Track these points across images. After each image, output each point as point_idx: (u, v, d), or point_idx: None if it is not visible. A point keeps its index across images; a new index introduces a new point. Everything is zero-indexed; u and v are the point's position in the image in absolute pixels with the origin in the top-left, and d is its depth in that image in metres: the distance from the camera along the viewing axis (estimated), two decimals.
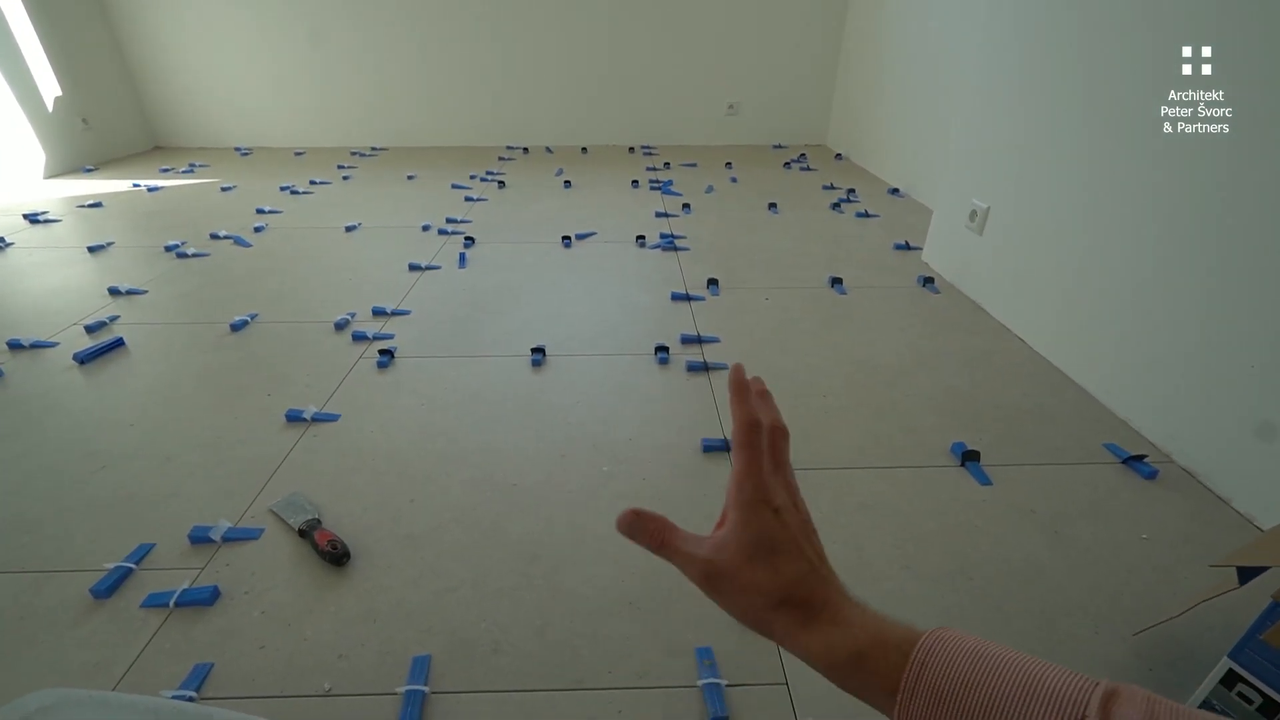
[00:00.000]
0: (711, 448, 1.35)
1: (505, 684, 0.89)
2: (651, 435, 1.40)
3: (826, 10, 3.92)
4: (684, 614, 0.98)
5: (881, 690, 0.29)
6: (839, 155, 4.00)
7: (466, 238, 2.54)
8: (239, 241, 2.54)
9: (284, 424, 1.44)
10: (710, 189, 3.25)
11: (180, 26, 3.86)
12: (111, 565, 1.05)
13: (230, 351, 1.74)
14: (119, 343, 1.76)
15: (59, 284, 2.18)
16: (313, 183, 3.39)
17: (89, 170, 3.68)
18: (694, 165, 3.76)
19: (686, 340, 1.78)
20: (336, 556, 1.06)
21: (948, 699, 0.28)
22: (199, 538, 1.12)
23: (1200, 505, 1.20)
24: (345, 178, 3.51)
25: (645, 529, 0.36)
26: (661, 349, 1.70)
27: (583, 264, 2.34)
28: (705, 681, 0.88)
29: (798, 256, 2.39)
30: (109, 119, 3.89)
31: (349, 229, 2.68)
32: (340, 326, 1.86)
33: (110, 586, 1.02)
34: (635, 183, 3.37)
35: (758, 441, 0.35)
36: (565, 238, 2.54)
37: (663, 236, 2.55)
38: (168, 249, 2.45)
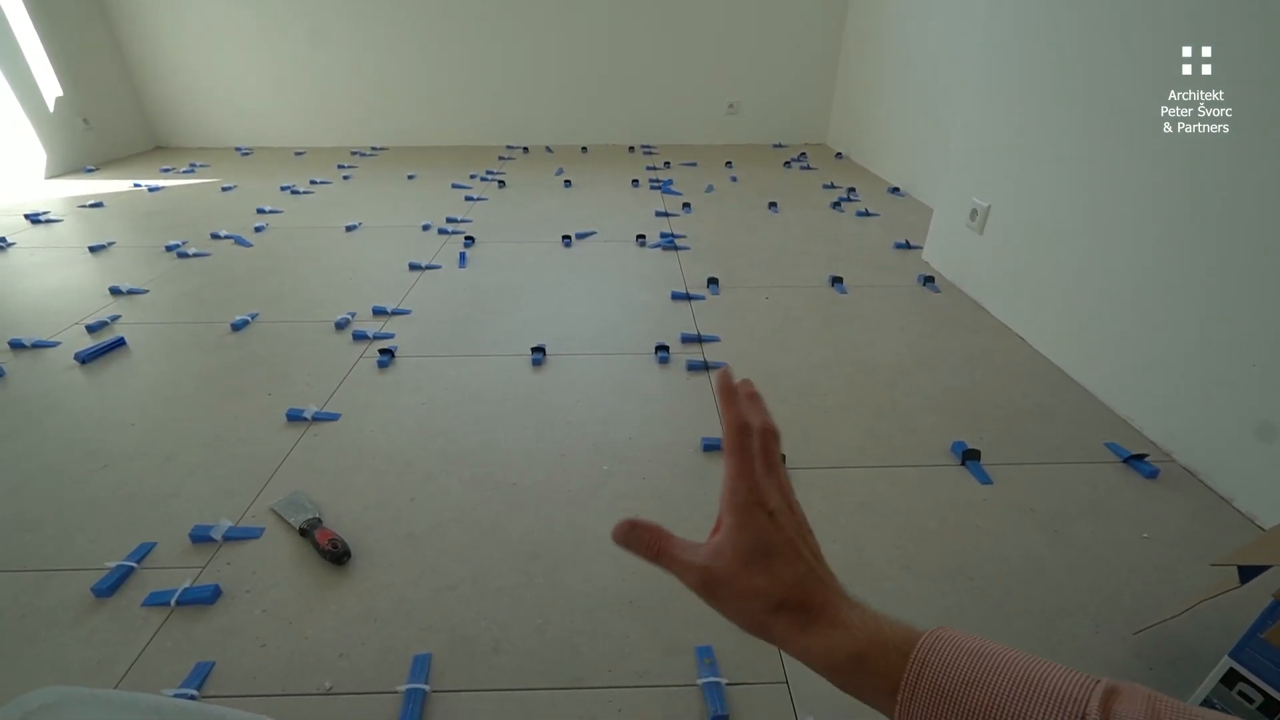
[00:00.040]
0: (711, 447, 1.35)
1: (505, 682, 0.89)
2: (652, 434, 1.40)
3: (826, 9, 3.91)
4: (684, 613, 0.98)
5: (882, 691, 0.29)
6: (839, 154, 4.00)
7: (467, 237, 2.54)
8: (240, 241, 2.54)
9: (285, 423, 1.44)
10: (710, 188, 3.25)
11: (181, 26, 3.86)
12: (113, 564, 1.06)
13: (231, 351, 1.75)
14: (120, 342, 1.76)
15: (60, 284, 2.19)
16: (313, 182, 3.39)
17: (90, 170, 3.68)
18: (694, 164, 3.76)
19: (687, 339, 1.78)
20: (337, 555, 1.06)
21: (948, 699, 0.28)
22: (200, 537, 1.12)
23: (1201, 504, 1.20)
24: (345, 177, 3.52)
25: (641, 539, 0.35)
26: (662, 348, 1.70)
27: (583, 263, 2.34)
28: (705, 680, 0.88)
29: (798, 255, 2.39)
30: (110, 119, 3.89)
31: (349, 229, 2.68)
32: (341, 326, 1.86)
33: (111, 585, 1.02)
34: (635, 182, 3.37)
35: (749, 444, 0.35)
36: (565, 237, 2.54)
37: (663, 236, 2.55)
38: (168, 249, 2.45)
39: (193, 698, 0.87)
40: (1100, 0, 1.48)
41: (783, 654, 0.91)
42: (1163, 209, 1.34)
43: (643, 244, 2.50)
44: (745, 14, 3.92)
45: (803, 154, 4.01)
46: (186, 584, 1.03)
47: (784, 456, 1.31)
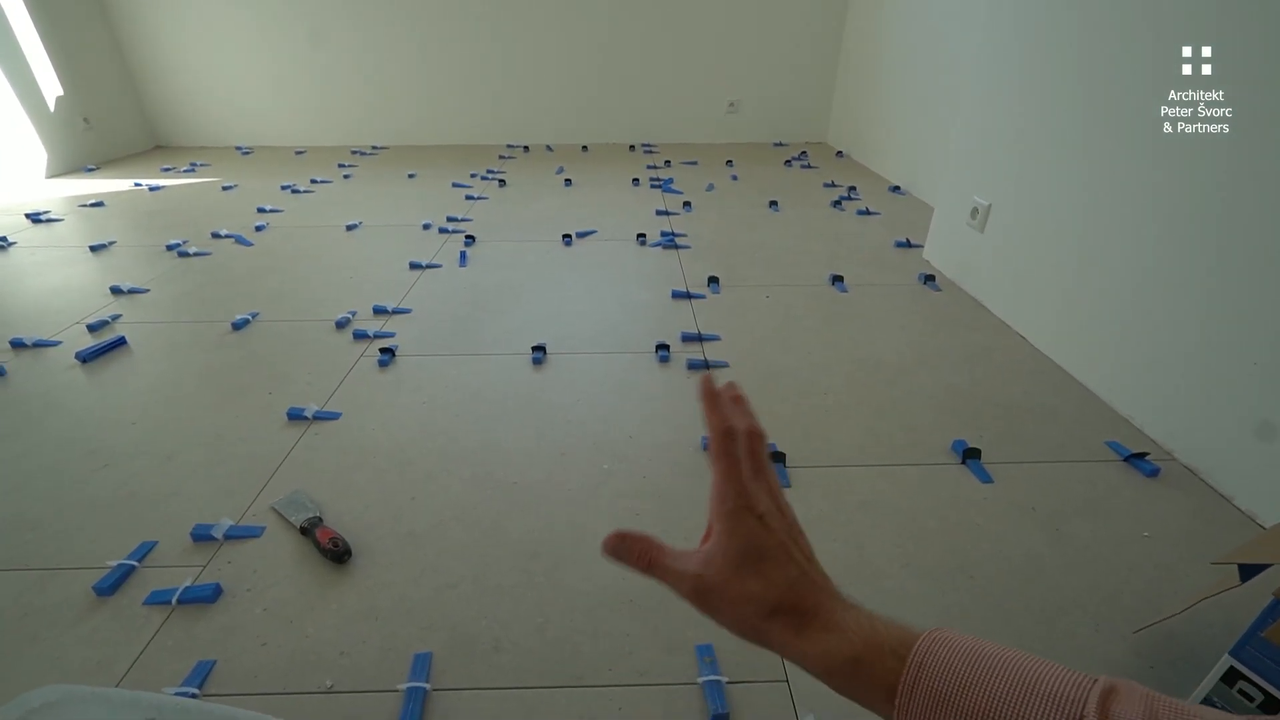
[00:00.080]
0: None
1: (506, 681, 0.90)
2: (652, 433, 1.40)
3: (827, 7, 3.91)
4: (684, 611, 0.97)
5: (879, 695, 0.29)
6: (840, 153, 4.00)
7: (467, 236, 2.54)
8: (240, 240, 2.54)
9: (285, 422, 1.44)
10: (711, 187, 3.25)
11: (181, 26, 3.86)
12: (114, 563, 1.06)
13: (232, 350, 1.75)
14: (121, 341, 1.76)
15: (61, 283, 2.19)
16: (313, 181, 3.39)
17: (90, 170, 3.69)
18: (694, 163, 3.76)
19: (687, 338, 1.78)
20: (338, 554, 1.06)
21: (945, 701, 0.27)
22: (201, 536, 1.12)
23: (1202, 503, 1.20)
24: (346, 176, 3.52)
25: (631, 550, 0.35)
26: (662, 347, 1.70)
27: (583, 262, 2.34)
28: (705, 678, 0.88)
29: (798, 254, 2.39)
30: (110, 118, 3.89)
31: (350, 228, 2.68)
32: (341, 325, 1.86)
33: (113, 584, 1.03)
34: (636, 181, 3.37)
35: (734, 449, 0.35)
36: (566, 236, 2.54)
37: (663, 234, 2.55)
38: (169, 248, 2.45)
39: (194, 696, 0.87)
40: (1100, 0, 1.48)
41: None
42: (1163, 209, 1.34)
43: (643, 243, 2.50)
44: (746, 12, 3.91)
45: (803, 152, 4.01)
46: (188, 583, 1.03)
47: (784, 455, 1.31)
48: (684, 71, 4.09)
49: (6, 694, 0.39)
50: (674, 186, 3.26)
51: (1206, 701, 0.76)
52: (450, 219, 2.77)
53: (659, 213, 2.86)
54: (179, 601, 1.00)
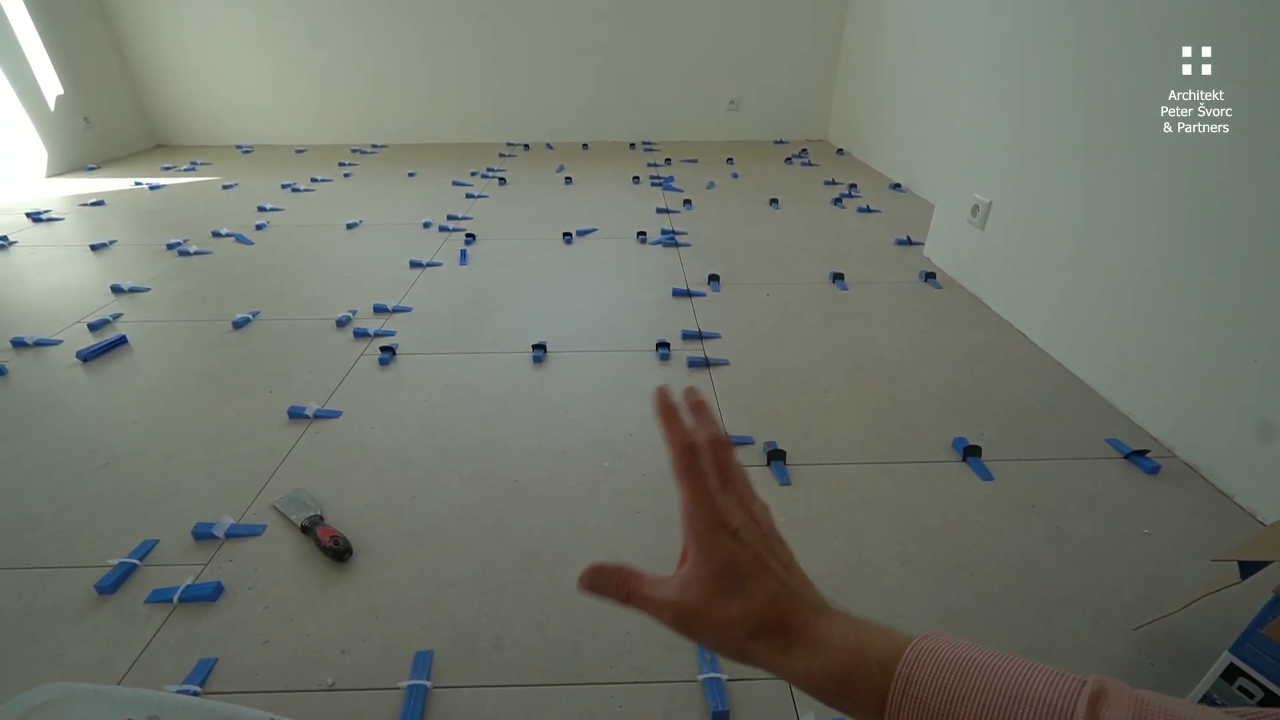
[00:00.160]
0: None
1: (507, 679, 0.90)
2: (652, 431, 1.40)
3: (827, 5, 3.90)
4: None
5: (869, 709, 0.29)
6: (840, 150, 3.99)
7: (467, 234, 2.54)
8: (240, 239, 2.55)
9: (286, 421, 1.44)
10: (711, 185, 3.25)
11: (181, 26, 3.85)
12: (115, 561, 1.06)
13: (232, 349, 1.75)
14: (121, 340, 1.77)
15: (62, 282, 2.19)
16: (314, 180, 3.39)
17: (91, 169, 3.69)
18: (695, 161, 3.75)
19: (688, 336, 1.78)
20: (339, 552, 1.07)
21: (934, 715, 0.27)
22: (202, 534, 1.13)
23: (1202, 500, 1.20)
24: (346, 175, 3.52)
25: (609, 582, 0.34)
26: (663, 345, 1.70)
27: (584, 260, 2.34)
28: (706, 676, 0.88)
29: (799, 252, 2.39)
30: (110, 118, 3.89)
31: (350, 226, 2.68)
32: (342, 324, 1.87)
33: (114, 582, 1.03)
34: (636, 179, 3.37)
35: (698, 465, 0.34)
36: (566, 234, 2.54)
37: (664, 232, 2.55)
38: (170, 247, 2.45)
39: (195, 694, 0.87)
40: (1100, 0, 1.48)
41: None
42: (1163, 208, 1.33)
43: (643, 241, 2.50)
44: (746, 10, 3.91)
45: (804, 150, 4.00)
46: (189, 581, 1.03)
47: (784, 453, 1.30)
48: (684, 69, 4.08)
49: (8, 692, 0.39)
50: (674, 184, 3.25)
51: (1206, 698, 0.76)
52: (450, 217, 2.77)
53: (659, 211, 2.86)
54: (180, 600, 1.01)
